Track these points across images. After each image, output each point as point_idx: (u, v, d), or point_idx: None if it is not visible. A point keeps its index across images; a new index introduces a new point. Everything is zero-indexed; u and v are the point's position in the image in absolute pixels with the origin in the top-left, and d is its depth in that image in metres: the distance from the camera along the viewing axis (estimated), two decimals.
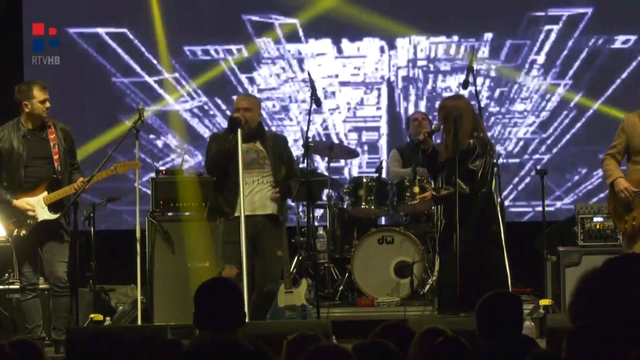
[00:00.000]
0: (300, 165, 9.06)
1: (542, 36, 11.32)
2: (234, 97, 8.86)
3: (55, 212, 8.22)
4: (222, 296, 4.68)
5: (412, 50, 11.44)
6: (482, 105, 9.10)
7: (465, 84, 8.51)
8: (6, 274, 9.28)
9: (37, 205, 8.21)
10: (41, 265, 8.29)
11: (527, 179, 11.30)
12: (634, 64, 11.26)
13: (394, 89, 11.48)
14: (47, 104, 8.29)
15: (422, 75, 11.45)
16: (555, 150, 11.35)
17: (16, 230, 8.25)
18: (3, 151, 8.24)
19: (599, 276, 2.61)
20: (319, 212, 10.24)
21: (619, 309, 2.55)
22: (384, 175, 10.10)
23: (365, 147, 11.48)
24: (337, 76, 11.48)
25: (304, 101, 11.22)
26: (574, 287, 2.67)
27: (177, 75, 11.30)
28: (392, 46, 11.43)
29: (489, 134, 9.93)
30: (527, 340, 4.51)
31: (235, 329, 4.59)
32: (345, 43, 11.45)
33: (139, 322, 8.59)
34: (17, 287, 8.84)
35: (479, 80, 10.47)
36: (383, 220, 10.72)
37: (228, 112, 10.79)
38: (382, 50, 11.46)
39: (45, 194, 8.22)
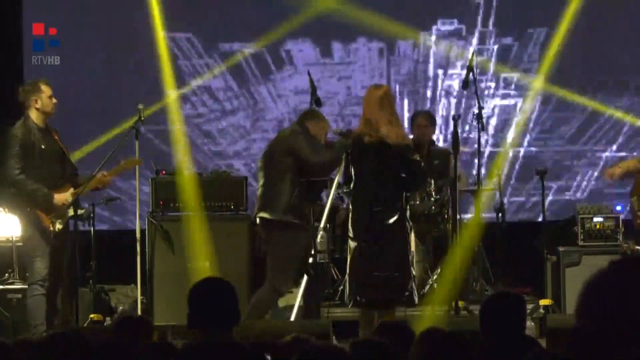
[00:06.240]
0: None
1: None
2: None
3: (74, 208, 8.26)
4: (215, 296, 4.66)
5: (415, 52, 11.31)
6: (483, 105, 9.08)
7: (465, 84, 8.50)
8: (6, 274, 9.26)
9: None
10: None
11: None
12: None
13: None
14: (54, 100, 8.27)
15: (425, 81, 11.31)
16: None
17: (51, 225, 8.21)
18: (34, 149, 8.16)
19: (603, 278, 2.61)
20: None
21: (623, 310, 2.55)
22: None
23: None
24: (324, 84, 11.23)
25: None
26: (580, 290, 2.68)
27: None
28: (392, 49, 11.31)
29: None
30: (529, 340, 4.52)
31: (230, 329, 4.58)
32: (337, 46, 11.30)
33: None
34: (17, 287, 8.84)
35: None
36: None
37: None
38: (380, 53, 11.32)
39: (71, 190, 8.24)
